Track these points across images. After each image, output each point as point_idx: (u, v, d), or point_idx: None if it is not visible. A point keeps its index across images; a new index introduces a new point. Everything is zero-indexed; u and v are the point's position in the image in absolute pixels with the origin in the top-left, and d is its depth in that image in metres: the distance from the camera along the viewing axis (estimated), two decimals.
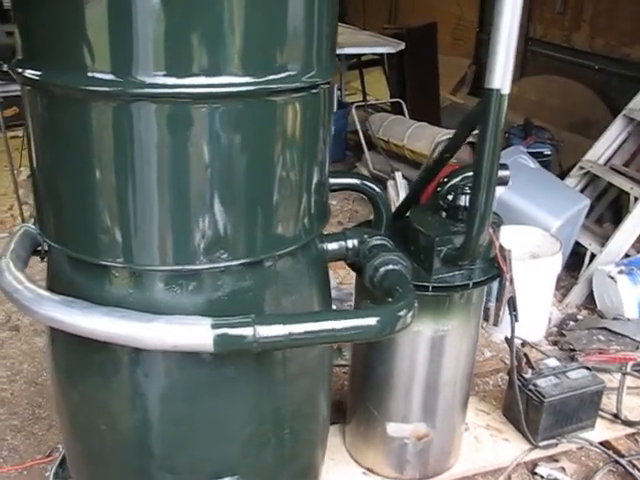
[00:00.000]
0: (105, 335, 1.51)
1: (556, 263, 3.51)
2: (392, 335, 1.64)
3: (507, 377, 3.10)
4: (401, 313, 1.60)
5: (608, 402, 2.94)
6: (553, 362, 2.87)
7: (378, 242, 1.88)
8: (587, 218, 4.31)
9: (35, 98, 1.57)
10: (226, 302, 1.61)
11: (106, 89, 1.42)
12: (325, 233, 1.92)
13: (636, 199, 3.98)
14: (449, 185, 2.27)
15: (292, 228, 1.67)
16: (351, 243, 1.93)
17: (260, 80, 1.48)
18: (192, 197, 1.52)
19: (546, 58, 6.10)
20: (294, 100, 1.56)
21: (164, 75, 1.41)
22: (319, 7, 1.54)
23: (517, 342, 2.62)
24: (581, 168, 4.47)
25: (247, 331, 1.46)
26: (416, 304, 1.64)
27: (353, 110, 5.53)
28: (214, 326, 1.45)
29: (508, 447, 2.76)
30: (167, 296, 1.59)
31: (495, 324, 2.23)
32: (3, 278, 1.64)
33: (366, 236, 1.92)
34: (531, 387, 2.71)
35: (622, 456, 2.79)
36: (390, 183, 4.73)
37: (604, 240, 4.12)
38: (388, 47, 5.03)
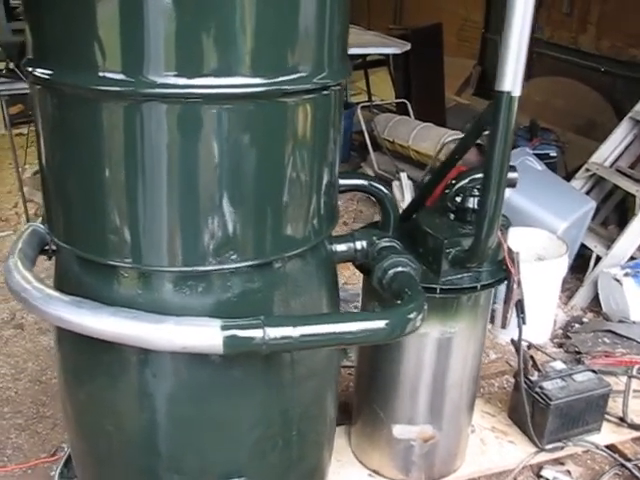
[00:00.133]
0: (114, 336, 1.50)
1: (562, 265, 3.50)
2: (401, 338, 1.63)
3: (512, 379, 3.09)
4: (411, 316, 1.59)
5: (614, 405, 2.93)
6: (559, 365, 2.86)
7: (387, 244, 1.88)
8: (593, 220, 4.30)
9: (45, 97, 1.56)
10: (235, 303, 1.60)
11: (117, 89, 1.42)
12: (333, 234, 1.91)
13: None
14: (457, 187, 2.26)
15: (302, 229, 1.66)
16: (360, 245, 1.92)
17: (271, 81, 1.47)
18: (202, 198, 1.51)
19: (552, 60, 6.08)
20: (305, 101, 1.55)
21: (175, 75, 1.40)
22: (331, 8, 1.53)
23: (523, 344, 2.60)
24: (587, 170, 4.47)
25: (257, 333, 1.45)
26: (426, 307, 1.63)
27: (358, 110, 5.52)
28: (224, 327, 1.44)
29: (514, 450, 2.76)
30: (176, 297, 1.59)
31: (503, 326, 2.22)
32: (11, 277, 1.64)
33: (375, 238, 1.92)
34: (537, 390, 2.70)
35: (628, 460, 2.78)
36: (395, 184, 4.72)
37: (610, 242, 4.11)
38: (394, 48, 5.02)
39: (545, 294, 3.50)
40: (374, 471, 2.59)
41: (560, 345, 3.64)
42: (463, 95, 7.28)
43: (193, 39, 1.39)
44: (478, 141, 5.03)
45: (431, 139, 4.87)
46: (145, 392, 1.69)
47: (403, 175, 4.73)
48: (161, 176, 1.49)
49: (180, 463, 1.77)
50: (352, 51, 4.99)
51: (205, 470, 1.79)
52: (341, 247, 1.92)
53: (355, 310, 3.45)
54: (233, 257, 1.56)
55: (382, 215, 2.23)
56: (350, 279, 4.07)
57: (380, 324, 1.56)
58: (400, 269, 1.77)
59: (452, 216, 2.23)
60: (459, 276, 2.15)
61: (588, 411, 2.77)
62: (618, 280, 3.75)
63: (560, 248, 3.56)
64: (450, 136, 4.70)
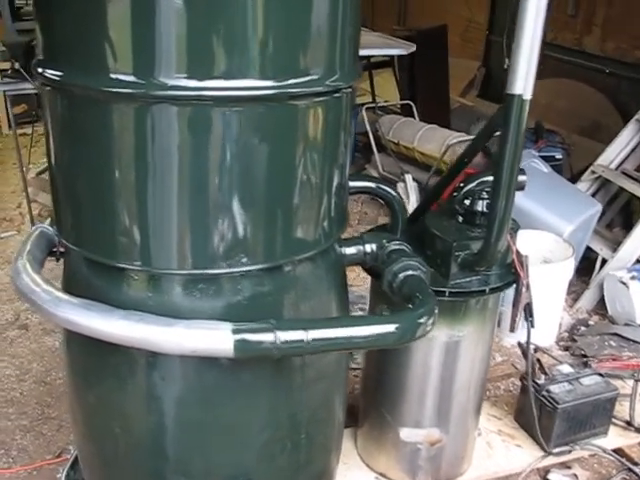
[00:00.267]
0: (123, 339, 1.50)
1: (568, 268, 3.49)
2: (412, 342, 1.62)
3: (518, 382, 3.09)
4: (421, 320, 1.58)
5: (621, 409, 2.92)
6: (566, 368, 2.85)
7: (397, 247, 1.87)
8: (598, 223, 4.29)
9: (55, 98, 1.56)
10: (245, 307, 1.60)
11: (128, 91, 1.42)
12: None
13: None
14: (465, 190, 2.26)
15: (312, 232, 1.65)
16: (369, 248, 1.92)
17: (282, 84, 1.47)
18: (212, 200, 1.51)
19: (557, 61, 6.07)
20: (316, 104, 1.55)
21: (186, 77, 1.40)
22: (343, 10, 1.52)
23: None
24: (593, 172, 4.46)
25: (268, 337, 1.45)
26: (436, 311, 1.63)
27: (363, 111, 5.51)
28: (234, 331, 1.44)
29: (520, 453, 2.75)
30: (186, 300, 1.58)
31: (512, 330, 2.21)
32: (20, 279, 1.63)
33: (384, 241, 1.91)
34: (544, 393, 2.69)
35: (635, 464, 2.77)
36: (400, 185, 4.72)
37: (615, 245, 4.10)
38: (399, 49, 5.00)
39: (551, 297, 3.49)
40: (380, 474, 2.58)
41: (566, 348, 3.63)
42: (467, 97, 7.26)
43: (204, 41, 1.39)
44: None
45: (436, 141, 4.86)
46: (153, 395, 1.69)
47: (408, 177, 4.73)
48: (171, 178, 1.49)
49: (187, 466, 1.77)
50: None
51: (212, 473, 1.79)
52: (350, 250, 1.91)
53: (360, 312, 3.45)
54: (244, 260, 1.55)
55: (390, 217, 2.22)
56: (355, 281, 4.06)
57: (391, 328, 1.56)
58: (410, 272, 1.76)
59: (460, 219, 2.22)
60: (467, 279, 2.14)
61: (595, 415, 2.77)
62: (624, 283, 3.73)
63: (566, 251, 3.55)
64: (455, 138, 4.69)
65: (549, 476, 2.73)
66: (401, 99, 6.09)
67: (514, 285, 2.19)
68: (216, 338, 1.44)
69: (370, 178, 2.47)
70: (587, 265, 4.17)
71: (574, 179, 4.62)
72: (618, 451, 2.83)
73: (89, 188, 1.58)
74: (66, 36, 1.47)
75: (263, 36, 1.42)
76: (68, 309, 1.53)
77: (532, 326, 2.25)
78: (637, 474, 2.72)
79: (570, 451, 2.75)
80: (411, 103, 5.70)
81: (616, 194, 4.58)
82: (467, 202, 2.21)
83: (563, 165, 4.90)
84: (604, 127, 5.68)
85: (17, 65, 4.43)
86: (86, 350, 1.75)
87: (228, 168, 1.49)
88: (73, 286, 1.74)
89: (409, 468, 2.50)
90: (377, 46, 4.98)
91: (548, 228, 3.74)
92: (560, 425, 2.68)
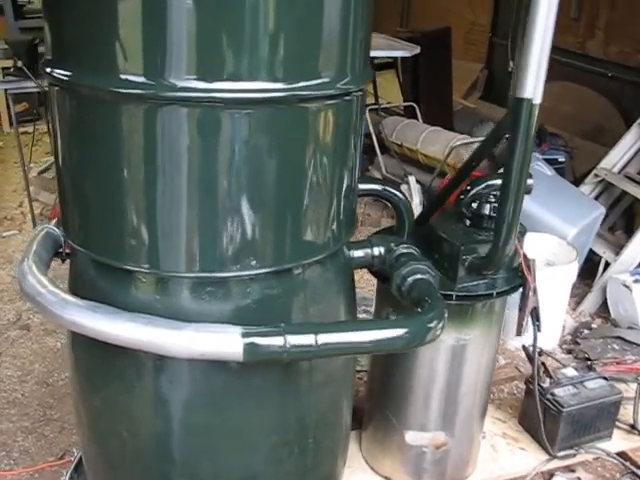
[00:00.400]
0: (130, 342, 1.49)
1: (572, 271, 3.49)
2: (421, 346, 1.61)
3: (522, 385, 3.08)
4: (431, 325, 1.58)
5: (624, 412, 2.91)
6: (571, 372, 2.84)
7: (405, 250, 1.86)
8: (601, 226, 4.29)
9: (64, 98, 1.55)
10: (254, 310, 1.59)
11: (138, 92, 1.41)
12: None
13: None
14: (472, 193, 2.25)
15: (322, 236, 1.64)
16: (377, 251, 1.91)
17: (293, 86, 1.46)
18: (222, 203, 1.50)
19: (559, 65, 6.06)
20: (327, 107, 1.54)
21: (196, 79, 1.39)
22: (355, 12, 1.51)
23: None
24: (596, 176, 4.46)
25: (277, 340, 1.44)
26: (446, 315, 1.62)
27: (366, 113, 5.50)
28: (244, 335, 1.43)
29: (525, 456, 2.74)
30: (194, 303, 1.57)
31: (518, 334, 2.21)
32: (26, 281, 1.62)
33: (393, 244, 1.90)
34: (549, 397, 2.69)
35: (639, 467, 2.76)
36: (403, 187, 4.71)
37: (618, 248, 4.10)
38: (404, 51, 5.00)
39: (555, 300, 3.48)
40: (385, 477, 2.57)
41: (569, 351, 3.63)
42: (469, 99, 7.26)
43: (215, 43, 1.38)
44: None
45: (440, 143, 4.85)
46: (161, 398, 1.68)
47: (411, 178, 4.72)
48: (180, 180, 1.48)
49: (194, 469, 1.76)
50: None
51: (220, 477, 1.78)
52: (358, 253, 1.90)
53: (364, 314, 3.44)
54: (253, 263, 1.54)
55: (397, 220, 2.21)
56: (358, 283, 4.03)
57: (400, 332, 1.55)
58: (419, 276, 1.75)
59: (468, 222, 2.21)
60: (475, 283, 2.13)
61: (599, 418, 2.76)
62: (627, 286, 3.73)
63: (570, 254, 3.54)
64: (459, 141, 4.68)
65: (553, 479, 2.73)
66: (404, 101, 6.08)
67: (521, 289, 2.19)
68: (225, 342, 1.43)
69: (376, 180, 2.46)
70: (590, 268, 4.17)
71: (577, 182, 4.62)
72: (622, 454, 2.82)
73: (97, 189, 1.57)
74: (76, 36, 1.47)
75: (274, 38, 1.42)
76: (75, 311, 1.52)
77: (539, 330, 2.24)
78: None
79: (575, 455, 2.74)
80: (414, 105, 5.69)
81: (619, 197, 4.57)
82: (474, 205, 2.20)
83: (566, 168, 4.90)
84: (607, 131, 5.68)
85: (20, 63, 4.42)
86: (92, 352, 1.74)
87: (237, 170, 1.48)
88: (79, 288, 1.74)
89: (414, 471, 2.49)
90: (381, 48, 4.97)
91: (551, 231, 3.73)
92: (565, 429, 2.68)
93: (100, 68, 1.43)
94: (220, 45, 1.38)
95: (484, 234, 2.13)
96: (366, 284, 3.65)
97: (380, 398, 2.49)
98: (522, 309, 2.18)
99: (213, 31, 1.37)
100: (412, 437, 2.41)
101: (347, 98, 1.58)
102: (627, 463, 2.79)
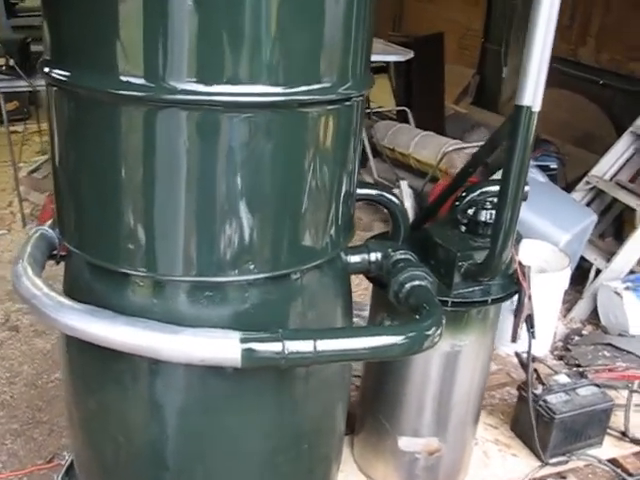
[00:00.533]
0: (128, 346, 1.47)
1: (564, 278, 3.50)
2: (419, 353, 1.61)
3: (514, 391, 3.09)
4: (429, 332, 1.57)
5: (615, 419, 2.93)
6: (563, 378, 2.86)
7: (402, 256, 1.85)
8: (591, 233, 4.30)
9: (61, 99, 1.54)
10: (252, 315, 1.58)
11: (137, 94, 1.39)
12: None
13: None
14: (467, 200, 2.25)
15: (321, 241, 1.64)
16: (374, 256, 1.90)
17: (294, 91, 1.45)
18: (220, 207, 1.48)
19: (551, 72, 6.10)
20: (328, 112, 1.53)
21: (196, 82, 1.38)
22: (357, 16, 1.50)
23: (525, 357, 2.60)
24: (587, 183, 4.48)
25: (276, 346, 1.43)
26: (444, 322, 1.62)
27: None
28: (243, 340, 1.42)
29: (517, 463, 2.75)
30: (192, 307, 1.56)
31: (513, 340, 2.21)
32: (20, 283, 1.60)
33: (390, 250, 1.89)
34: (541, 403, 2.69)
35: (630, 474, 2.77)
36: (395, 192, 4.71)
37: (609, 255, 4.12)
38: (397, 55, 5.01)
39: (547, 307, 3.49)
40: None
41: (560, 357, 3.64)
42: (461, 104, 7.28)
43: (216, 46, 1.37)
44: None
45: (432, 148, 4.86)
46: (155, 402, 1.66)
47: (403, 183, 4.72)
48: (178, 183, 1.46)
49: (189, 475, 1.74)
50: None
51: None
52: (355, 258, 1.89)
53: (356, 319, 3.43)
54: (251, 268, 1.53)
55: (392, 226, 2.21)
56: None
57: (398, 339, 1.54)
58: (417, 283, 1.75)
59: (463, 228, 2.22)
60: (470, 289, 2.13)
61: (591, 425, 2.77)
62: (618, 293, 3.75)
63: (562, 261, 3.55)
64: (451, 146, 4.69)
65: None
66: (396, 105, 6.09)
67: (516, 296, 2.19)
68: (224, 347, 1.42)
69: (372, 185, 2.46)
70: (581, 274, 4.18)
71: (568, 189, 4.64)
72: (613, 461, 2.84)
73: (95, 191, 1.55)
74: (75, 36, 1.45)
75: (275, 42, 1.40)
76: (71, 315, 1.50)
77: (533, 337, 2.25)
78: None
79: (567, 461, 2.75)
80: (407, 109, 5.69)
81: (609, 204, 4.60)
82: (470, 212, 2.20)
83: (558, 175, 4.91)
84: (597, 138, 5.71)
85: (12, 62, 4.39)
86: (86, 354, 1.71)
87: (236, 174, 1.47)
88: (74, 290, 1.72)
89: (407, 477, 2.49)
90: (376, 52, 4.96)
91: (544, 237, 3.74)
92: (557, 435, 2.68)
93: (99, 69, 1.41)
94: (221, 48, 1.37)
95: (480, 240, 2.14)
96: (356, 288, 3.65)
97: (373, 403, 2.48)
98: (517, 316, 2.19)
99: (214, 34, 1.36)
100: (405, 443, 2.41)
101: (348, 103, 1.57)
102: (618, 470, 2.80)
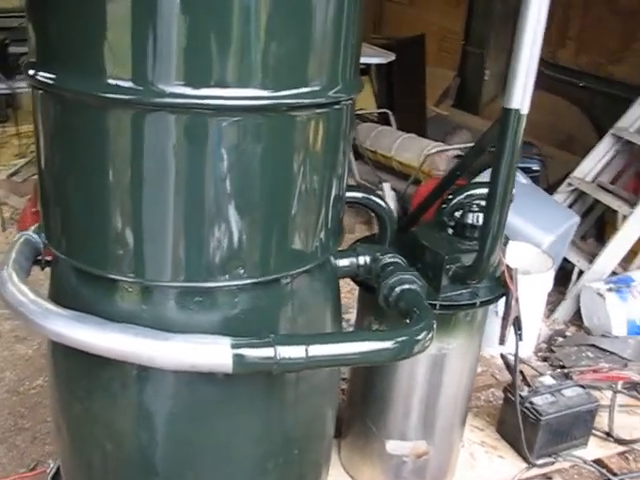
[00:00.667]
0: (117, 353, 1.45)
1: (548, 280, 3.52)
2: (410, 358, 1.60)
3: (499, 393, 3.10)
4: (420, 336, 1.56)
5: (599, 420, 2.95)
6: (548, 380, 2.87)
7: (391, 260, 1.85)
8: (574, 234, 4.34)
9: (47, 102, 1.51)
10: (242, 320, 1.56)
11: (125, 97, 1.37)
12: None
13: (624, 217, 4.01)
14: (454, 202, 2.26)
15: (311, 245, 1.62)
16: (362, 260, 1.89)
17: (283, 94, 1.43)
18: (209, 211, 1.47)
19: None
20: (317, 115, 1.51)
21: (185, 85, 1.36)
22: (347, 19, 1.50)
23: (511, 358, 2.61)
24: (569, 185, 4.52)
25: (268, 352, 1.41)
26: (435, 326, 1.61)
27: None
28: (234, 346, 1.40)
29: (503, 464, 2.76)
30: (181, 313, 1.54)
31: (501, 343, 2.22)
32: (6, 289, 1.57)
33: (378, 253, 1.88)
34: (527, 405, 2.71)
35: (614, 474, 2.80)
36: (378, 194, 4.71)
37: (591, 257, 4.15)
38: (379, 58, 5.01)
39: (531, 308, 3.50)
40: None
41: (544, 359, 3.66)
42: (441, 106, 7.31)
43: (204, 49, 1.35)
44: (459, 153, 5.02)
45: (414, 150, 4.88)
46: (145, 409, 1.63)
47: (386, 186, 4.73)
48: (166, 187, 1.44)
49: None
50: None
51: None
52: (343, 262, 1.88)
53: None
54: (241, 273, 1.51)
55: (379, 228, 2.21)
56: None
57: (389, 344, 1.53)
58: (407, 286, 1.74)
59: (451, 231, 2.22)
60: (458, 292, 2.14)
61: (576, 426, 2.79)
62: (601, 295, 3.78)
63: (546, 262, 3.57)
64: (434, 148, 4.71)
65: None
66: (378, 107, 6.10)
67: (503, 298, 2.20)
68: (214, 353, 1.40)
69: (357, 188, 2.45)
70: (563, 275, 4.21)
71: (550, 191, 4.68)
72: (598, 462, 2.86)
73: (81, 195, 1.53)
74: (61, 38, 1.42)
75: (264, 45, 1.39)
76: (58, 321, 1.47)
77: (520, 339, 2.26)
78: None
79: (553, 463, 2.76)
80: (388, 112, 5.70)
81: (591, 206, 4.64)
82: (457, 214, 2.21)
83: (540, 177, 4.95)
84: (578, 140, 5.76)
85: None
86: (73, 359, 1.68)
87: (225, 178, 1.45)
88: (60, 296, 1.69)
89: None
90: None
91: (527, 239, 3.76)
92: (543, 437, 2.70)
93: (87, 72, 1.39)
94: (209, 51, 1.36)
95: (467, 243, 2.14)
96: (341, 290, 3.64)
97: (360, 406, 2.48)
98: (505, 318, 2.20)
99: (203, 37, 1.34)
100: (393, 446, 2.40)
101: (337, 107, 1.56)
102: (603, 470, 2.82)
